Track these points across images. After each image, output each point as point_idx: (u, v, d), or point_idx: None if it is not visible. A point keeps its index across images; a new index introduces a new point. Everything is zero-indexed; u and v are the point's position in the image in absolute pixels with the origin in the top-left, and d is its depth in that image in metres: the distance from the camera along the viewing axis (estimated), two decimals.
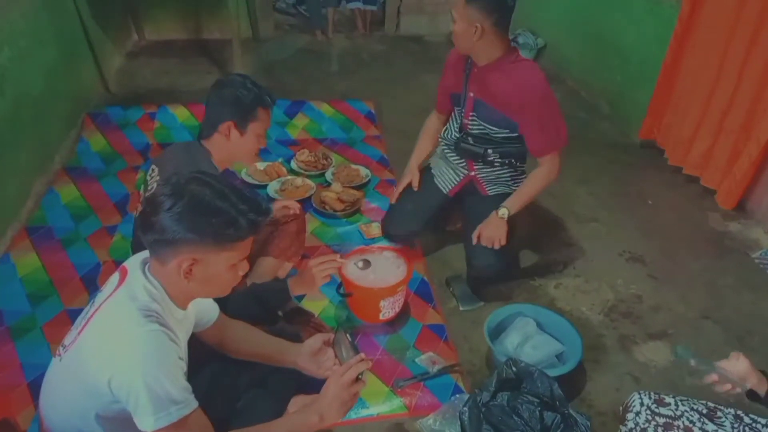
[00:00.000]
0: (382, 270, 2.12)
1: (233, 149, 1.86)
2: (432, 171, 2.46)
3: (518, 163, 2.31)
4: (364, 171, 3.08)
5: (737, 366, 1.36)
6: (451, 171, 2.39)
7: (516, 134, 2.15)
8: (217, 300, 1.60)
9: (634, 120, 3.56)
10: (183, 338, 1.38)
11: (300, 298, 2.24)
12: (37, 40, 2.97)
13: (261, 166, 3.09)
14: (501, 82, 2.06)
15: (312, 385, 1.80)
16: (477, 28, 1.94)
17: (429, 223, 2.43)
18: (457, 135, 2.28)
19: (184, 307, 1.34)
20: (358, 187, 2.96)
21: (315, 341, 1.66)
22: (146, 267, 1.29)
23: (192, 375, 1.60)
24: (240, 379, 1.67)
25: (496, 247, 2.10)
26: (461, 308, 2.29)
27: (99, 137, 3.35)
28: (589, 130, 3.78)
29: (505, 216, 2.13)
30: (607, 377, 2.03)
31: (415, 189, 2.41)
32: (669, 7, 3.22)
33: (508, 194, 2.22)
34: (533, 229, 2.73)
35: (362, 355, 1.46)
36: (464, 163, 2.35)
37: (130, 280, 1.26)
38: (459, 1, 1.94)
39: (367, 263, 2.13)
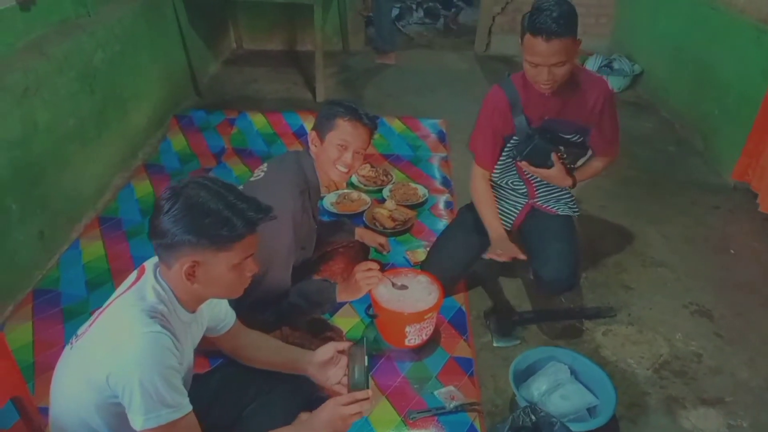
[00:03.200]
0: (413, 295, 2.06)
1: (319, 158, 1.96)
2: None
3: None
4: (422, 190, 3.03)
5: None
6: (508, 204, 2.30)
7: (581, 138, 2.12)
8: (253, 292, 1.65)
9: (728, 159, 3.24)
10: (189, 341, 1.41)
11: (332, 314, 2.25)
12: (132, 44, 3.21)
13: None
14: (583, 94, 2.04)
15: (318, 403, 1.80)
16: (577, 56, 1.92)
17: (467, 268, 2.35)
18: (529, 130, 2.11)
19: (192, 309, 1.37)
20: (413, 207, 2.91)
21: (327, 350, 1.67)
22: (157, 269, 1.33)
23: (201, 378, 1.66)
24: (248, 387, 1.69)
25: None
26: (495, 344, 2.18)
27: (181, 138, 3.56)
28: (676, 165, 3.50)
29: (570, 183, 2.15)
30: None
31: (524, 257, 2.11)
32: None
33: (571, 216, 2.25)
34: (590, 267, 2.56)
35: (369, 392, 1.47)
36: (524, 190, 2.26)
37: (144, 280, 1.31)
38: (567, 43, 1.81)
39: (404, 286, 2.09)
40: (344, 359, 1.64)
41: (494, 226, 2.17)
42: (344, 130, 1.90)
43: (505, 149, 2.19)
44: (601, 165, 2.22)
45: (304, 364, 1.67)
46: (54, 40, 2.56)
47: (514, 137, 2.12)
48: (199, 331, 1.50)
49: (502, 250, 2.06)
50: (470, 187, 2.27)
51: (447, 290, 2.21)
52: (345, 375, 1.61)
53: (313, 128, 1.97)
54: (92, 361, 1.24)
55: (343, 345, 1.67)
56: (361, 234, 2.40)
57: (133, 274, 1.36)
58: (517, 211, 2.28)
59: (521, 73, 2.07)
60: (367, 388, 1.49)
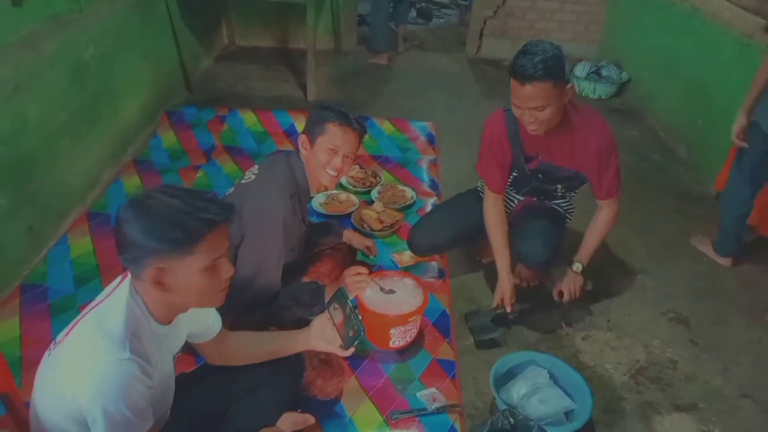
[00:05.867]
0: (398, 297, 2.10)
1: (309, 162, 1.97)
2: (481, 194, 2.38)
3: (574, 193, 2.32)
4: (410, 193, 3.07)
5: None
6: (506, 200, 2.36)
7: (579, 176, 2.16)
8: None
9: (711, 169, 3.30)
10: (166, 351, 1.40)
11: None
12: (124, 40, 3.21)
13: None
14: (579, 139, 2.03)
15: (303, 402, 1.84)
16: (566, 96, 1.90)
17: (458, 240, 2.39)
18: (527, 172, 2.18)
19: (166, 322, 1.35)
20: (401, 209, 2.95)
21: (322, 321, 1.67)
22: (133, 282, 1.30)
23: (187, 377, 1.69)
24: (233, 386, 1.71)
25: (574, 296, 2.25)
26: (475, 338, 2.23)
27: (171, 134, 3.57)
28: (660, 174, 3.56)
29: (579, 270, 2.24)
30: None
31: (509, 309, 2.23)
32: (758, 51, 2.97)
33: (560, 211, 2.31)
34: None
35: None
36: (521, 198, 2.33)
37: (120, 291, 1.30)
38: (546, 88, 1.81)
39: (392, 291, 2.13)
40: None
41: (503, 262, 2.21)
42: (334, 135, 1.92)
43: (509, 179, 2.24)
44: (603, 228, 2.21)
45: (304, 341, 1.67)
46: (45, 35, 2.56)
47: (513, 173, 2.18)
48: (179, 340, 1.48)
49: (502, 289, 2.22)
50: (483, 209, 2.27)
51: (428, 254, 2.42)
52: (332, 326, 1.62)
53: (304, 131, 1.99)
54: (62, 376, 1.24)
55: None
56: (349, 236, 2.43)
57: (117, 279, 1.35)
58: (514, 205, 2.35)
59: None
60: (363, 329, 1.53)
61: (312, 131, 1.95)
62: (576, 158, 2.07)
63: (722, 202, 2.73)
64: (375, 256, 2.47)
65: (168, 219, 1.20)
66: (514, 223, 2.31)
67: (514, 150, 2.11)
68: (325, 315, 1.67)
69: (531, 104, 1.84)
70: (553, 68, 1.79)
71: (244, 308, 1.88)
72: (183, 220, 1.21)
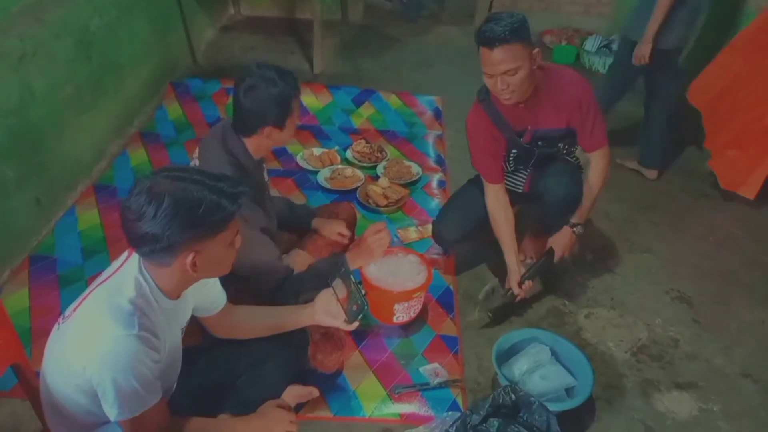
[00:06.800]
0: (403, 273, 2.11)
1: (275, 143, 1.88)
2: None
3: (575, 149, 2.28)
4: (415, 168, 3.06)
5: None
6: (515, 173, 2.33)
7: (572, 131, 2.13)
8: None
9: None
10: (175, 324, 1.44)
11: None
12: (128, 10, 3.17)
13: (317, 152, 3.16)
14: (559, 96, 2.02)
15: (308, 376, 1.87)
16: (535, 61, 1.88)
17: (482, 226, 2.37)
18: (526, 146, 2.16)
19: (175, 297, 1.38)
20: (407, 185, 2.95)
21: (326, 296, 1.69)
22: (141, 261, 1.31)
23: (195, 350, 1.71)
24: (240, 358, 1.74)
25: (567, 253, 2.27)
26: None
27: (176, 106, 3.55)
28: (668, 151, 3.52)
29: (581, 231, 2.23)
30: (617, 421, 1.93)
31: (522, 296, 2.19)
32: None
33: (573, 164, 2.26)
34: (577, 252, 2.61)
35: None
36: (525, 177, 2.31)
37: (128, 269, 1.32)
38: (515, 49, 1.80)
39: None
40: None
41: (511, 250, 2.19)
42: (298, 106, 1.82)
43: (509, 160, 2.22)
44: (599, 181, 2.17)
45: (308, 316, 1.70)
46: (49, 5, 2.53)
47: (513, 151, 2.16)
48: (187, 313, 1.52)
49: (512, 281, 2.18)
50: (486, 203, 2.22)
51: (456, 245, 2.44)
52: (336, 301, 1.65)
53: (271, 123, 1.77)
54: (72, 349, 1.27)
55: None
56: (318, 225, 2.24)
57: (124, 255, 1.37)
58: (525, 176, 2.30)
59: None
60: (366, 304, 1.56)
61: (278, 119, 1.77)
62: (562, 115, 2.06)
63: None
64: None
65: (206, 204, 1.22)
66: (535, 180, 2.25)
67: (504, 133, 2.10)
68: (330, 290, 1.69)
69: (502, 68, 1.84)
70: (519, 29, 1.81)
71: (264, 290, 1.88)
72: (219, 202, 1.24)
